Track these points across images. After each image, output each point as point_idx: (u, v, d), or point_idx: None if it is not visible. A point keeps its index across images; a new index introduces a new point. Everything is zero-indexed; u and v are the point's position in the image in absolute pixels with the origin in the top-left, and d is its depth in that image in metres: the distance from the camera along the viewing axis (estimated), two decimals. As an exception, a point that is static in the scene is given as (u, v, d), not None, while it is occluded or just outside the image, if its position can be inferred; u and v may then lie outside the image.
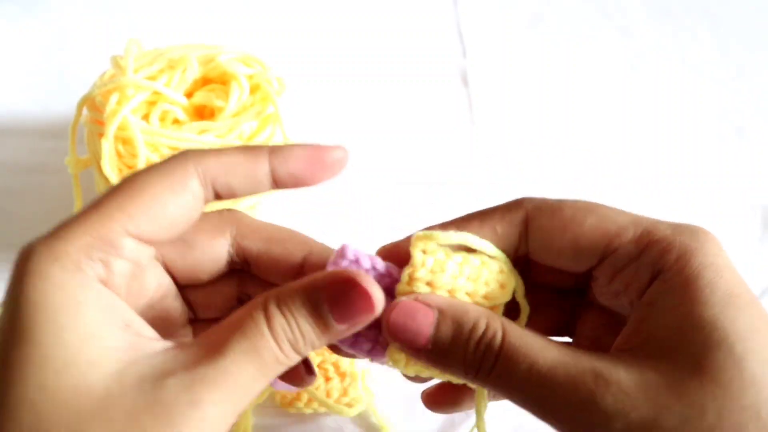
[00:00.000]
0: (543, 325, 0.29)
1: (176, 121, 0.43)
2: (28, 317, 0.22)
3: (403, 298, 0.25)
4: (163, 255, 0.28)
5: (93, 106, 0.43)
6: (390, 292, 0.26)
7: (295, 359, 0.24)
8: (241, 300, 0.30)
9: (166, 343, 0.24)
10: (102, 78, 0.44)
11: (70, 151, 0.42)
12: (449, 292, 0.26)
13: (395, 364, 0.26)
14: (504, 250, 0.27)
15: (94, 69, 0.47)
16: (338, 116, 0.56)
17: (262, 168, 0.26)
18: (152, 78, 0.43)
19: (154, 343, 0.24)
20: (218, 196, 0.27)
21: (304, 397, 0.39)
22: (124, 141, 0.41)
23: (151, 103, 0.43)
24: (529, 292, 0.28)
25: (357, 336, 0.26)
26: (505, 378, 0.24)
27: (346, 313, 0.24)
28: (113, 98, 0.41)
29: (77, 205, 0.44)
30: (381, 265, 0.27)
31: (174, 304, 0.29)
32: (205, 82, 0.45)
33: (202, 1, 0.64)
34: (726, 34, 0.63)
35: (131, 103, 0.41)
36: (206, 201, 0.26)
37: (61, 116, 0.54)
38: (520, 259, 0.28)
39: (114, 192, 0.25)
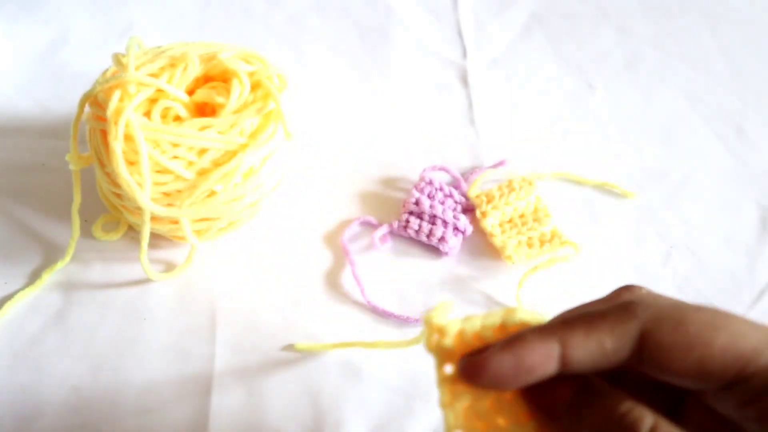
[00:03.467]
0: None
1: (177, 118, 0.43)
2: None
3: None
4: None
5: (95, 102, 0.43)
6: None
7: None
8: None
9: None
10: (104, 75, 0.44)
11: (72, 148, 0.42)
12: None
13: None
14: (609, 367, 0.24)
15: (93, 69, 0.47)
16: (337, 115, 0.56)
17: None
18: (154, 75, 0.43)
19: None
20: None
21: None
22: (126, 137, 0.41)
23: (153, 101, 0.43)
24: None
25: None
26: None
27: None
28: (116, 95, 0.41)
29: (76, 201, 0.44)
30: None
31: None
32: (206, 79, 0.45)
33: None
34: (726, 34, 0.64)
35: (135, 101, 0.40)
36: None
37: (61, 116, 0.54)
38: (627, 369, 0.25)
39: None
